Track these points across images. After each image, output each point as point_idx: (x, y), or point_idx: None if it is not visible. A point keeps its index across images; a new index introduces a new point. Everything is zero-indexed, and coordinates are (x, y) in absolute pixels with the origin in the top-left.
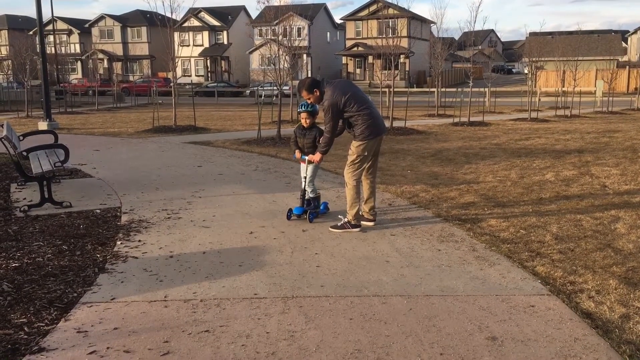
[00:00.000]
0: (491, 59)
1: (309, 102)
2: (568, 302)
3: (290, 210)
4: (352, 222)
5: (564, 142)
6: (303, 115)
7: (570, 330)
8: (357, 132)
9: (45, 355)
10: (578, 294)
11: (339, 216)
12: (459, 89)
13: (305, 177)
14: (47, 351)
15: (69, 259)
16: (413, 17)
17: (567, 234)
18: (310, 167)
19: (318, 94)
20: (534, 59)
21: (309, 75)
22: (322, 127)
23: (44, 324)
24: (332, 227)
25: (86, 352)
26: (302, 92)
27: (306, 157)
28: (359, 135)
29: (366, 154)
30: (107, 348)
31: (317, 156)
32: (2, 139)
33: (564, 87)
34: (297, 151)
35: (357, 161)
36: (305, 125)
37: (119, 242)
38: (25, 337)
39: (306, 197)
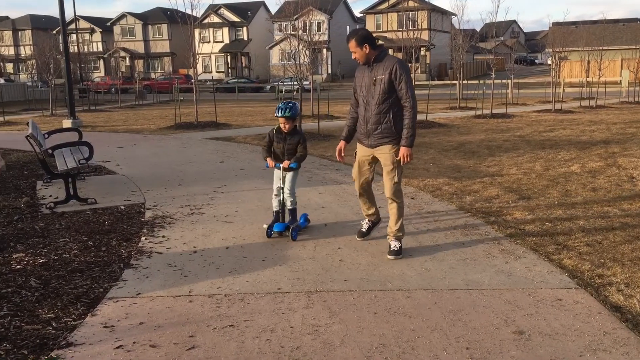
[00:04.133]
0: (513, 50)
1: (353, 56)
2: (596, 296)
3: (269, 227)
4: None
5: (589, 133)
6: (281, 120)
7: (599, 324)
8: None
9: (73, 350)
10: (607, 287)
11: (392, 242)
12: (481, 81)
13: (282, 187)
14: (75, 346)
15: (95, 254)
16: (433, 9)
17: (594, 227)
18: (290, 175)
19: (367, 51)
20: (557, 50)
21: (329, 70)
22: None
23: (71, 319)
24: (393, 257)
25: (113, 346)
26: (350, 41)
27: (281, 165)
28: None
29: None
30: (134, 343)
31: (405, 150)
32: (28, 137)
33: (588, 77)
34: (268, 159)
35: (401, 170)
36: (284, 130)
37: (143, 238)
38: (53, 332)
39: (289, 207)
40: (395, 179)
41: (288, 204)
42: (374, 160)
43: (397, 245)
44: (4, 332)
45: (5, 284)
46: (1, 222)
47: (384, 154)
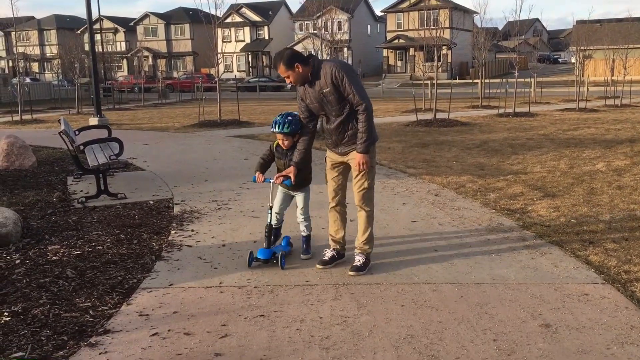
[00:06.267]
0: (536, 49)
1: (288, 80)
2: (623, 291)
3: (251, 255)
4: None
5: (614, 132)
6: (279, 136)
7: (626, 318)
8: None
9: (111, 337)
10: (634, 283)
11: (356, 257)
12: (504, 80)
13: (271, 207)
14: (112, 332)
15: (127, 247)
16: (455, 8)
17: (621, 224)
18: (301, 197)
19: (300, 71)
20: (581, 48)
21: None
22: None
23: (107, 308)
24: (353, 273)
25: (149, 333)
26: (278, 66)
27: (271, 180)
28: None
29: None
30: (169, 330)
31: (360, 158)
32: (61, 134)
33: (613, 76)
34: (258, 173)
35: (373, 174)
36: (283, 147)
37: (173, 232)
38: (91, 319)
39: (304, 234)
40: (365, 185)
41: (302, 229)
42: (346, 168)
43: (361, 260)
44: (44, 319)
45: (42, 274)
46: (35, 216)
47: (353, 159)
